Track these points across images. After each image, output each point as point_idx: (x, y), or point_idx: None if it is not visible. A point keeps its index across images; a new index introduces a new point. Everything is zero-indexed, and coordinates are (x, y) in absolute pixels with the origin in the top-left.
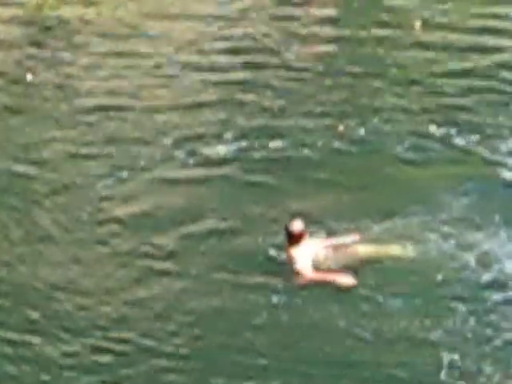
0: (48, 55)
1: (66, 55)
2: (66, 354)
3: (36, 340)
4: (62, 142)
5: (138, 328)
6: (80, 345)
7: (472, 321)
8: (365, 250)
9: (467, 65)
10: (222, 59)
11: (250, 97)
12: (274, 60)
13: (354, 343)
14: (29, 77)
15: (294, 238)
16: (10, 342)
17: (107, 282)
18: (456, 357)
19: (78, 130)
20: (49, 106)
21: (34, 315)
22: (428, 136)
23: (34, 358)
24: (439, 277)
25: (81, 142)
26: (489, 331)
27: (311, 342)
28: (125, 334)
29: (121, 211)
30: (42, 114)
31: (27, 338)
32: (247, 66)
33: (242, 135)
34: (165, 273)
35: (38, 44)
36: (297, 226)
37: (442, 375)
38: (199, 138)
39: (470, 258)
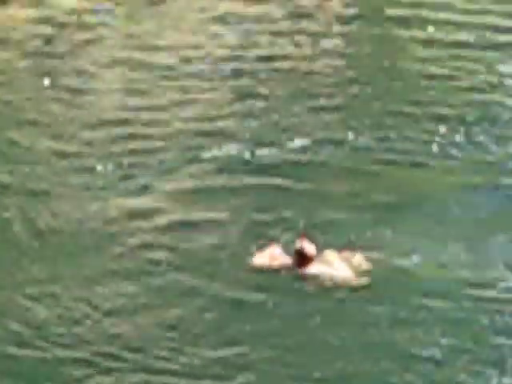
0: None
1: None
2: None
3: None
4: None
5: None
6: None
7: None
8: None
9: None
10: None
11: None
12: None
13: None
14: (46, 81)
15: (306, 260)
16: None
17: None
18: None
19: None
20: (66, 113)
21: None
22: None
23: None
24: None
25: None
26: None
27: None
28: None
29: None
30: (58, 121)
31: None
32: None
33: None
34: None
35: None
36: (310, 248)
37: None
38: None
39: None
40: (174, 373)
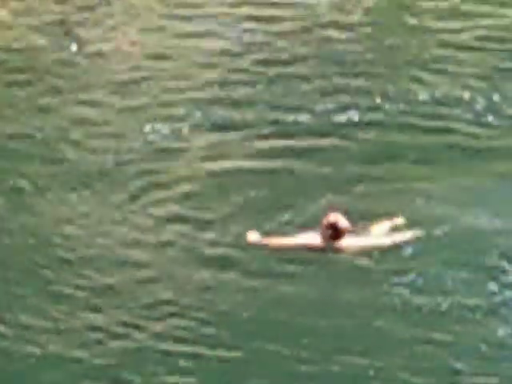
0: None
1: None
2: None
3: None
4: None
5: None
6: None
7: None
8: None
9: None
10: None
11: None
12: None
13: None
14: (73, 47)
15: (340, 233)
16: None
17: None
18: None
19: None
20: (94, 75)
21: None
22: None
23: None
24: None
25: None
26: None
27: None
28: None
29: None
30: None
31: None
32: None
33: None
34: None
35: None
36: (344, 221)
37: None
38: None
39: None
40: (194, 342)
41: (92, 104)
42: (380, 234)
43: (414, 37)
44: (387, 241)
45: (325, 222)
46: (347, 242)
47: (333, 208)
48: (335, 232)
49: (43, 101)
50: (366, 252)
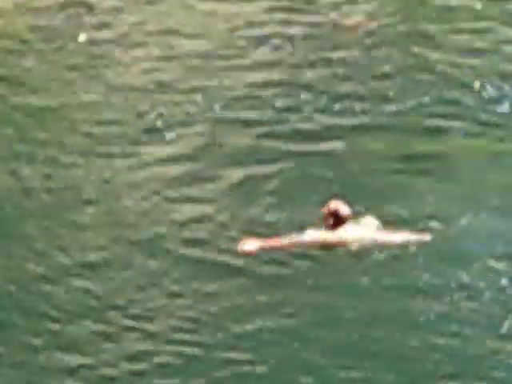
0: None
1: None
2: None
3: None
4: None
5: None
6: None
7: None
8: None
9: None
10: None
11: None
12: None
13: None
14: (82, 37)
15: (340, 221)
16: None
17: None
18: None
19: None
20: (101, 67)
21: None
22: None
23: None
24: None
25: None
26: None
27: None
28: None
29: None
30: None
31: None
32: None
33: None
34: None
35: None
36: (345, 209)
37: None
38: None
39: None
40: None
41: (96, 105)
42: (386, 231)
43: (419, 40)
44: (396, 238)
45: (326, 209)
46: (352, 235)
47: (334, 196)
48: (336, 219)
49: (46, 101)
50: (370, 247)
